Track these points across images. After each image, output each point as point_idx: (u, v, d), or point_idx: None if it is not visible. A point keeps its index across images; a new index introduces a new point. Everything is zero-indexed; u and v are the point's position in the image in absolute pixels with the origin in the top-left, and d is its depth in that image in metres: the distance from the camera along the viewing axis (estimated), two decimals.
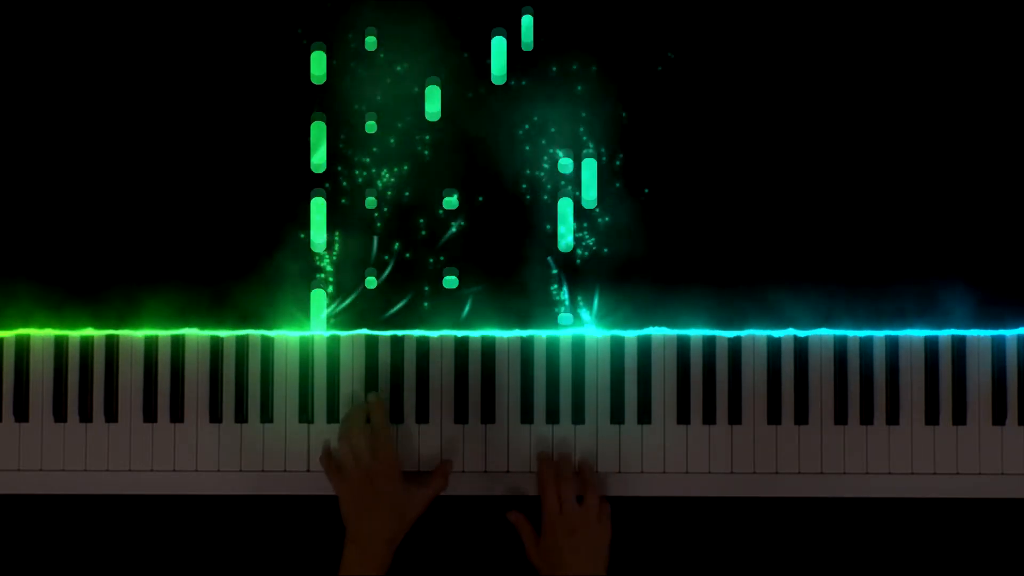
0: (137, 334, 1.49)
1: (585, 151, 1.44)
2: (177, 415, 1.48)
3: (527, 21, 1.45)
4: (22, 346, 1.49)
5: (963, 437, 1.49)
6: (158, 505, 1.58)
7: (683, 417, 1.49)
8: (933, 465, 1.48)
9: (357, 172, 1.47)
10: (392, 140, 1.47)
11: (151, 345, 1.49)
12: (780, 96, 1.48)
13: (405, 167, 1.47)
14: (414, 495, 1.43)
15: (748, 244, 1.48)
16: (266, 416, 1.49)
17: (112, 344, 1.49)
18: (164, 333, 1.49)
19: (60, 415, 1.49)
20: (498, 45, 1.45)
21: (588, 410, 1.49)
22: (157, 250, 1.48)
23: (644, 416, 1.49)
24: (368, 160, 1.47)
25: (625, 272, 1.48)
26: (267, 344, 1.49)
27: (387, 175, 1.47)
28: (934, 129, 1.48)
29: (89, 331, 1.48)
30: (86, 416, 1.49)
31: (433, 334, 1.49)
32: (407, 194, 1.48)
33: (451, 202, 1.44)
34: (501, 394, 1.49)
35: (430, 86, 1.45)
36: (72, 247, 1.48)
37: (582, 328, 1.48)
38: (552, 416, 1.49)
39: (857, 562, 1.59)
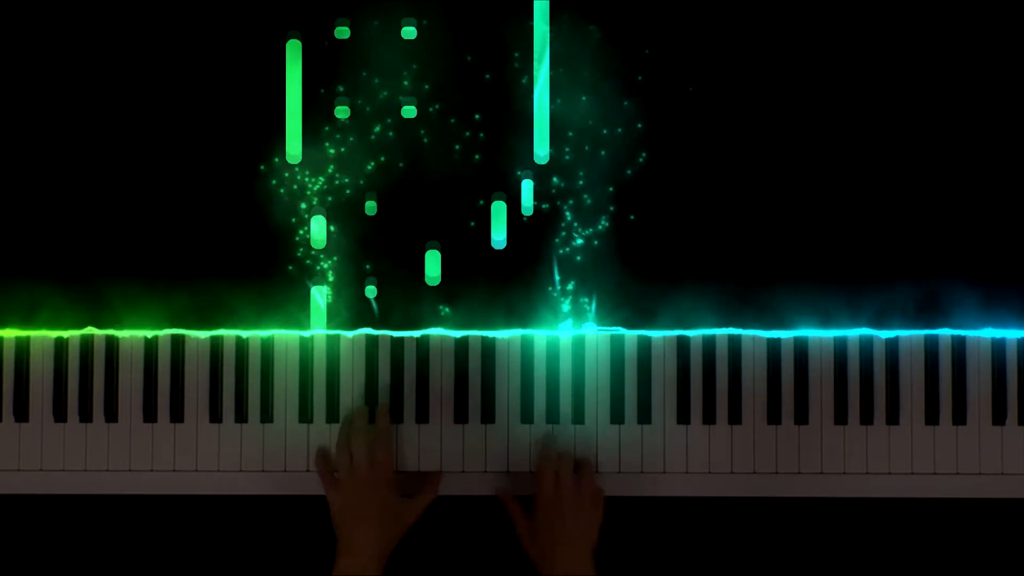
0: (137, 334, 1.49)
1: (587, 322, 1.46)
2: (177, 415, 1.48)
3: (527, 186, 1.46)
4: (22, 346, 1.49)
5: (963, 437, 1.49)
6: (158, 505, 1.58)
7: (683, 417, 1.49)
8: (933, 465, 1.48)
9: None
10: (392, 302, 1.48)
11: (151, 345, 1.49)
12: (780, 96, 1.48)
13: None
14: (406, 506, 1.43)
15: (748, 245, 1.48)
16: (266, 416, 1.49)
17: (112, 344, 1.49)
18: (164, 333, 1.49)
19: (60, 415, 1.49)
20: (498, 210, 1.46)
21: (588, 410, 1.49)
22: (159, 250, 1.48)
23: (644, 416, 1.49)
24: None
25: (626, 272, 1.48)
26: (267, 344, 1.49)
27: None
28: (934, 129, 1.48)
29: (89, 331, 1.48)
30: (86, 416, 1.49)
31: (434, 333, 1.49)
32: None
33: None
34: (501, 394, 1.49)
35: (430, 251, 1.46)
36: (73, 247, 1.48)
37: (582, 328, 1.48)
38: (552, 416, 1.49)
39: (857, 562, 1.59)
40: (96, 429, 1.49)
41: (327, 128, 1.48)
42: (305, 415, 1.49)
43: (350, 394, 1.49)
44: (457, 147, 1.48)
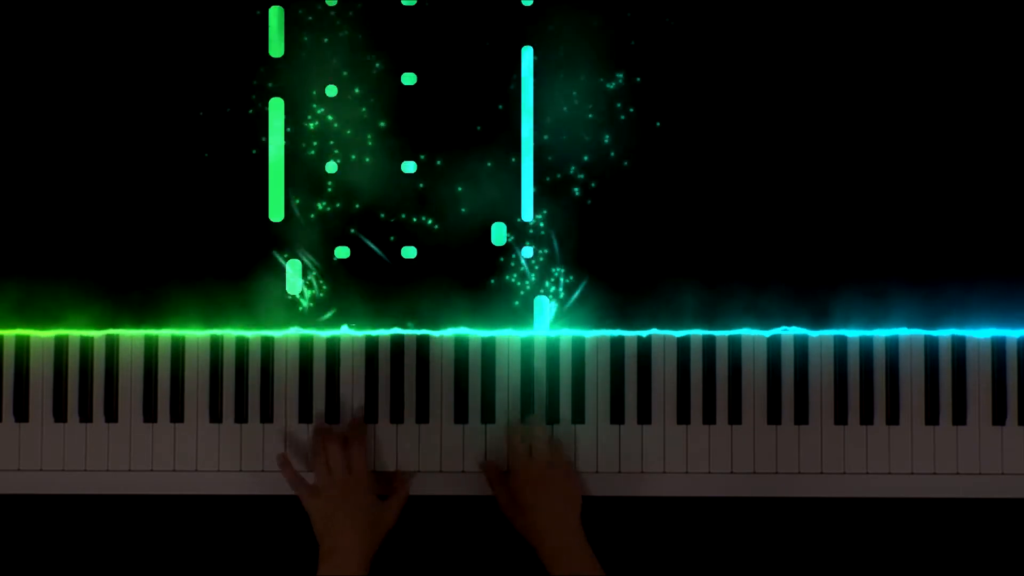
0: (137, 334, 1.49)
1: None
2: (177, 415, 1.48)
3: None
4: (22, 346, 1.49)
5: (963, 437, 1.49)
6: (158, 505, 1.58)
7: (683, 417, 1.49)
8: (933, 465, 1.49)
9: None
10: None
11: (151, 345, 1.49)
12: (779, 96, 1.48)
13: None
14: (383, 507, 1.43)
15: (748, 245, 1.48)
16: (266, 416, 1.49)
17: (112, 344, 1.49)
18: (164, 333, 1.49)
19: (60, 415, 1.49)
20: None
21: (588, 410, 1.49)
22: (159, 250, 1.48)
23: (644, 416, 1.49)
24: None
25: (626, 273, 1.48)
26: (267, 344, 1.49)
27: None
28: (935, 129, 1.48)
29: (89, 331, 1.48)
30: (86, 416, 1.49)
31: (434, 334, 1.49)
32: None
33: None
34: (501, 394, 1.49)
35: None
36: (73, 247, 1.48)
37: (582, 329, 1.48)
38: (552, 416, 1.49)
39: (857, 562, 1.59)
40: (96, 429, 1.49)
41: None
42: (305, 415, 1.49)
43: (350, 394, 1.49)
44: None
